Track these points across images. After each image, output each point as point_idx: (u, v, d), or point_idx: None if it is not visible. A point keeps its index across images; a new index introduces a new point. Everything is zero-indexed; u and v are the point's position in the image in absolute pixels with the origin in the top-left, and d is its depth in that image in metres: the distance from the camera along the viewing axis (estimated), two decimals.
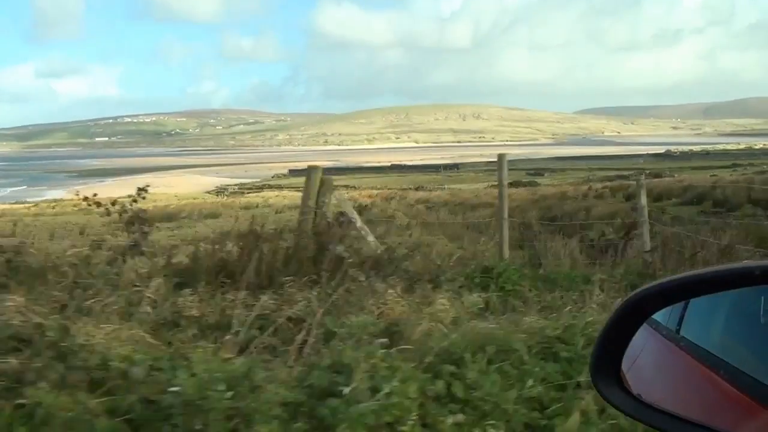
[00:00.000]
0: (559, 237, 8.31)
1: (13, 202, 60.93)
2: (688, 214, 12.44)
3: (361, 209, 9.47)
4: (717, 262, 6.22)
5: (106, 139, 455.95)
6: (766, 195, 13.95)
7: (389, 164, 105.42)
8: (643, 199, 8.45)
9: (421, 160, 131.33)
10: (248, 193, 65.06)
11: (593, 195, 18.52)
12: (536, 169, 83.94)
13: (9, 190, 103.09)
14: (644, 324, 1.35)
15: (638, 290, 1.34)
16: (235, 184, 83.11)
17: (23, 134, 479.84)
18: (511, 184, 44.63)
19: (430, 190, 50.39)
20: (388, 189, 48.19)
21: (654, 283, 1.34)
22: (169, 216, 26.66)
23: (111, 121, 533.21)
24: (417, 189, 54.13)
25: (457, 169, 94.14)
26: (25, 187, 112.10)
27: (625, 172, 62.89)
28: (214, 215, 26.24)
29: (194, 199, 44.80)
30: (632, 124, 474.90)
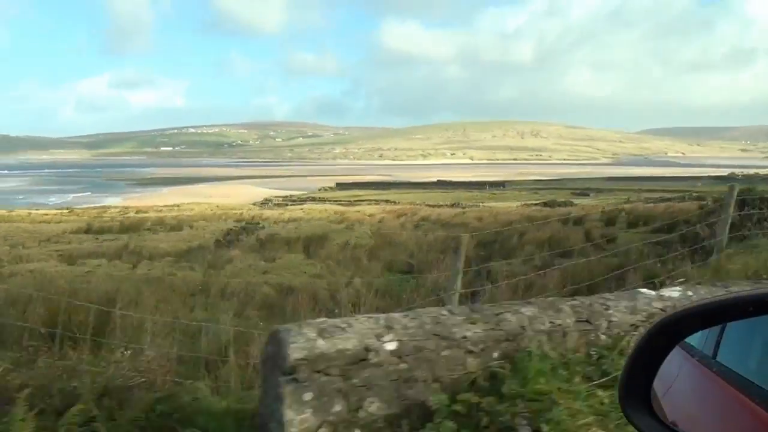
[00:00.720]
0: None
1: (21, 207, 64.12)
2: (627, 240, 12.26)
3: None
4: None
5: (171, 148, 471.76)
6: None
7: (435, 180, 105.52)
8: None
9: (472, 176, 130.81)
10: (291, 205, 66.35)
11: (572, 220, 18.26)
12: (583, 189, 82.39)
13: (71, 196, 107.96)
14: (679, 349, 1.31)
15: (672, 312, 1.32)
16: (282, 196, 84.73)
17: (93, 142, 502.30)
18: (545, 204, 44.25)
19: (465, 208, 50.29)
20: (416, 205, 48.26)
21: (689, 305, 1.30)
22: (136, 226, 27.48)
23: (176, 131, 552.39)
24: (452, 206, 54.08)
25: (503, 186, 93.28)
26: (89, 193, 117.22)
27: (675, 194, 61.12)
28: (178, 227, 26.67)
29: (232, 209, 45.90)
30: (698, 145, 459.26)
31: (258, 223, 24.59)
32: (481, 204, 48.99)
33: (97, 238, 23.68)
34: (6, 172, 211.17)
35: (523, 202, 46.15)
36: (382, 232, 15.19)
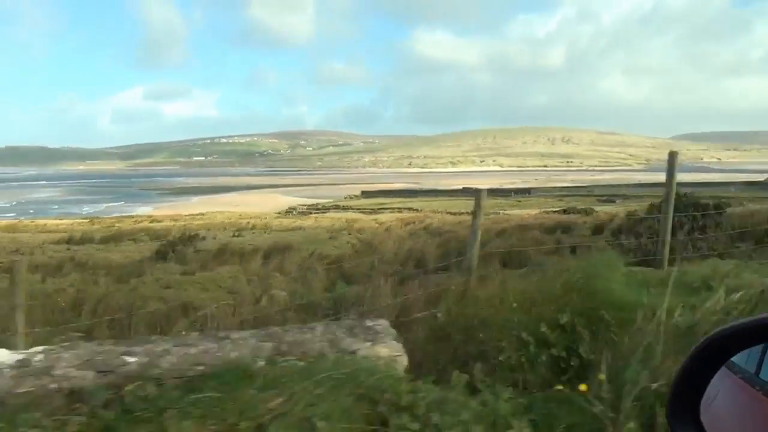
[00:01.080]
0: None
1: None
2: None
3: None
4: None
5: (203, 158, 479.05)
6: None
7: (461, 188, 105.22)
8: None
9: (499, 183, 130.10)
10: (314, 213, 66.93)
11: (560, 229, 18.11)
12: (609, 195, 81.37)
13: (104, 205, 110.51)
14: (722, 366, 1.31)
15: (717, 330, 1.31)
16: (308, 204, 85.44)
17: (128, 153, 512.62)
18: (564, 211, 43.87)
19: (486, 215, 50.22)
20: (437, 212, 48.36)
21: (734, 323, 1.30)
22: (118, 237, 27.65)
23: (208, 141, 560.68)
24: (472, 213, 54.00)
25: (529, 193, 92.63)
26: (122, 202, 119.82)
27: (703, 200, 60.07)
28: (165, 236, 26.63)
29: (255, 218, 46.55)
30: (734, 150, 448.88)
31: (199, 236, 24.08)
32: (500, 212, 48.79)
33: (69, 249, 23.89)
34: (44, 182, 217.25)
35: (542, 210, 45.88)
36: (365, 240, 15.30)
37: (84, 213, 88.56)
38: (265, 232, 27.37)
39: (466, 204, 75.09)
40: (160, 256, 18.71)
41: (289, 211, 73.57)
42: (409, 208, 68.56)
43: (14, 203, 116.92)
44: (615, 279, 4.52)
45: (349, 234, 21.62)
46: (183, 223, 38.18)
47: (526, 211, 47.96)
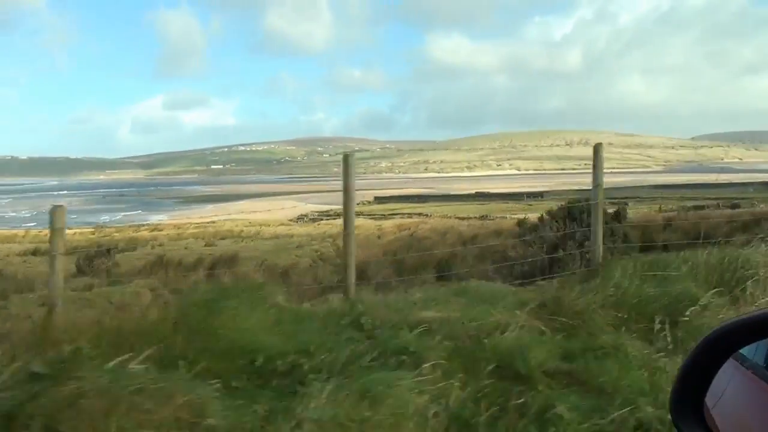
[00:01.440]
0: None
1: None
2: None
3: None
4: None
5: (221, 166, 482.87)
6: None
7: (474, 192, 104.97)
8: None
9: (514, 187, 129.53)
10: (324, 219, 67.13)
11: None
12: (622, 198, 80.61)
13: (121, 214, 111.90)
14: (730, 358, 1.30)
15: (724, 324, 1.30)
16: (319, 211, 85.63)
17: (148, 162, 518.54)
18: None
19: (493, 219, 50.03)
20: (446, 217, 48.30)
21: (741, 316, 1.31)
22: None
23: (226, 149, 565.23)
24: (482, 218, 53.80)
25: (542, 197, 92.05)
26: (138, 211, 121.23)
27: (713, 201, 59.45)
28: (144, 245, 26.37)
29: (261, 225, 46.89)
30: (756, 150, 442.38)
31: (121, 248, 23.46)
32: (508, 216, 48.57)
33: (24, 261, 23.84)
34: (65, 192, 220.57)
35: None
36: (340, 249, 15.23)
37: (100, 222, 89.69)
38: (251, 240, 27.38)
39: (477, 208, 74.85)
40: (79, 269, 18.15)
41: (300, 218, 73.86)
42: (419, 214, 68.49)
43: (35, 213, 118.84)
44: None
45: (333, 241, 21.56)
46: (179, 231, 38.54)
47: (535, 215, 47.63)
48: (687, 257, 5.87)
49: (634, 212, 52.78)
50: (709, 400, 1.27)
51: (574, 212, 9.86)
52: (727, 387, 1.28)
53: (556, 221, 9.77)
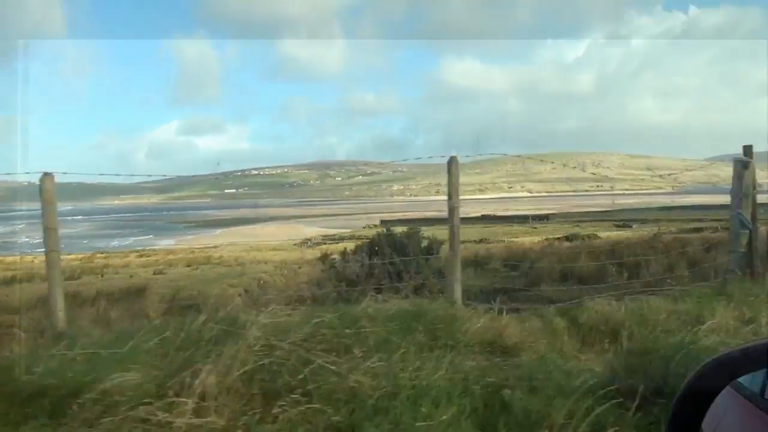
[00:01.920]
0: None
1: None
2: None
3: None
4: None
5: (234, 190, 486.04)
6: None
7: (480, 215, 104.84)
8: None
9: (521, 210, 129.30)
10: (328, 243, 67.36)
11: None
12: (627, 220, 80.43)
13: (132, 239, 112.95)
14: (727, 387, 1.30)
15: (723, 351, 1.31)
16: (324, 235, 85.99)
17: (162, 187, 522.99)
18: (566, 239, 43.50)
19: (490, 242, 50.12)
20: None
21: (740, 346, 1.30)
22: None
23: (240, 173, 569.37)
24: (479, 242, 53.91)
25: (547, 219, 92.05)
26: (150, 236, 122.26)
27: (715, 223, 59.09)
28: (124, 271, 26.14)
29: (260, 250, 47.27)
30: None
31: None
32: (506, 239, 48.65)
33: None
34: (80, 217, 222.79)
35: (544, 237, 45.60)
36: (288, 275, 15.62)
37: (110, 246, 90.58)
38: (212, 266, 27.37)
39: (480, 231, 74.89)
40: None
41: (305, 242, 74.20)
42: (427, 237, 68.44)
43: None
44: None
45: (298, 267, 21.67)
46: (164, 257, 38.88)
47: (533, 239, 47.76)
48: None
49: (640, 234, 52.67)
50: (707, 427, 1.27)
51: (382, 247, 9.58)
52: (724, 415, 1.29)
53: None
